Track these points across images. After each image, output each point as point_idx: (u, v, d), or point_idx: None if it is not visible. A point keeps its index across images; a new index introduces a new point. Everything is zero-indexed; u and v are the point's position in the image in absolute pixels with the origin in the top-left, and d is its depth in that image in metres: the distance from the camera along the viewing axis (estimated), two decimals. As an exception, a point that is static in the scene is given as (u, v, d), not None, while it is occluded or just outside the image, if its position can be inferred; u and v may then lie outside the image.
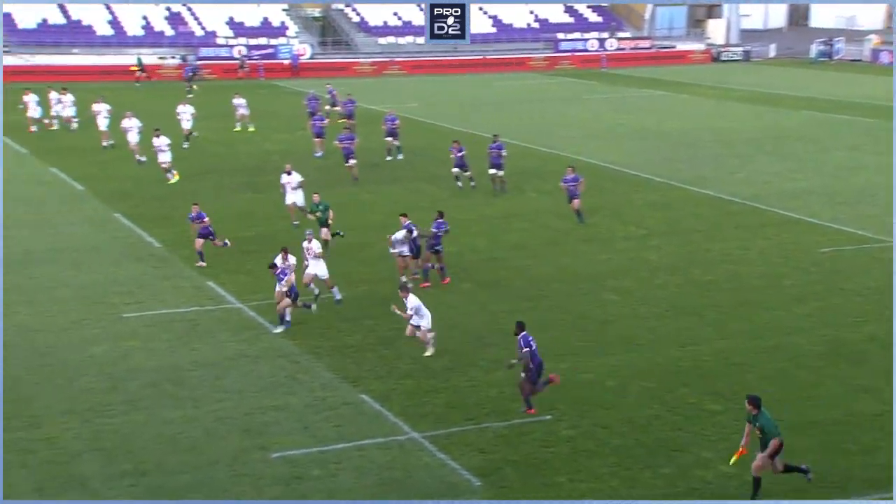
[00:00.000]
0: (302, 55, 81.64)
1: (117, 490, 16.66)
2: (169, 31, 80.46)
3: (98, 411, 19.55)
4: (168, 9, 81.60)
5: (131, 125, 43.19)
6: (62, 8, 78.72)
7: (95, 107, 47.12)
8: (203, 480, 16.94)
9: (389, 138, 44.09)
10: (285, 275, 23.98)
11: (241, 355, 22.55)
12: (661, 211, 35.81)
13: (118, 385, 20.86)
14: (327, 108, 55.98)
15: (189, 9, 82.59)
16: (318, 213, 29.93)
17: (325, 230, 29.68)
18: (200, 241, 28.53)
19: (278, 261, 24.30)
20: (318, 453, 17.96)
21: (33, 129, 50.24)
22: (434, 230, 27.43)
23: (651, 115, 58.75)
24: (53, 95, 52.51)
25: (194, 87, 65.99)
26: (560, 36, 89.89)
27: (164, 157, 38.99)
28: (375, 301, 25.96)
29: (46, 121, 51.37)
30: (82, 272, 28.05)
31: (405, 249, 26.86)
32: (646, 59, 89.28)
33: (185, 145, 46.05)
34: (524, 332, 19.35)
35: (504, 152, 37.47)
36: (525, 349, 19.23)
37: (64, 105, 51.22)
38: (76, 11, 78.89)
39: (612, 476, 17.00)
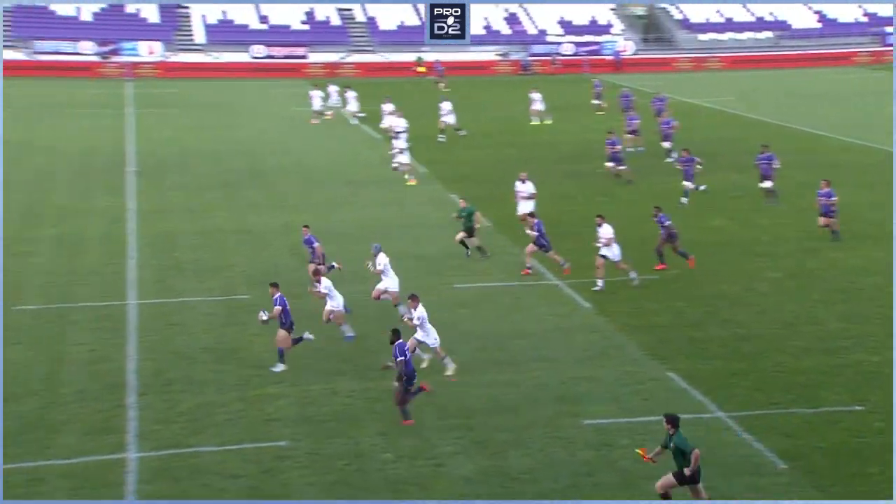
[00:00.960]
0: (624, 51, 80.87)
1: (448, 440, 17.32)
2: (506, 30, 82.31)
3: (434, 369, 20.38)
4: (506, 9, 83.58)
5: (391, 123, 43.78)
6: (416, 9, 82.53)
7: (384, 106, 47.75)
8: (521, 440, 17.27)
9: (665, 143, 41.92)
10: (276, 303, 20.21)
11: (558, 328, 22.75)
12: None
13: (451, 348, 21.57)
14: (593, 102, 55.42)
15: (524, 9, 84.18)
16: (463, 219, 27.94)
17: (462, 234, 27.77)
18: (313, 266, 24.13)
19: (321, 284, 21.63)
20: (626, 424, 17.81)
21: (314, 121, 51.77)
22: (661, 222, 26.50)
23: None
24: (332, 89, 54.46)
25: (441, 84, 64.73)
26: (888, 29, 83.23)
27: (402, 159, 38.55)
28: (684, 285, 25.36)
29: (328, 113, 52.67)
30: (422, 246, 29.30)
31: (611, 252, 25.14)
32: None
33: (442, 138, 46.15)
34: (400, 341, 18.09)
35: (775, 164, 33.89)
36: (400, 358, 17.90)
37: (348, 101, 52.84)
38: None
39: (928, 472, 15.63)
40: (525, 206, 30.38)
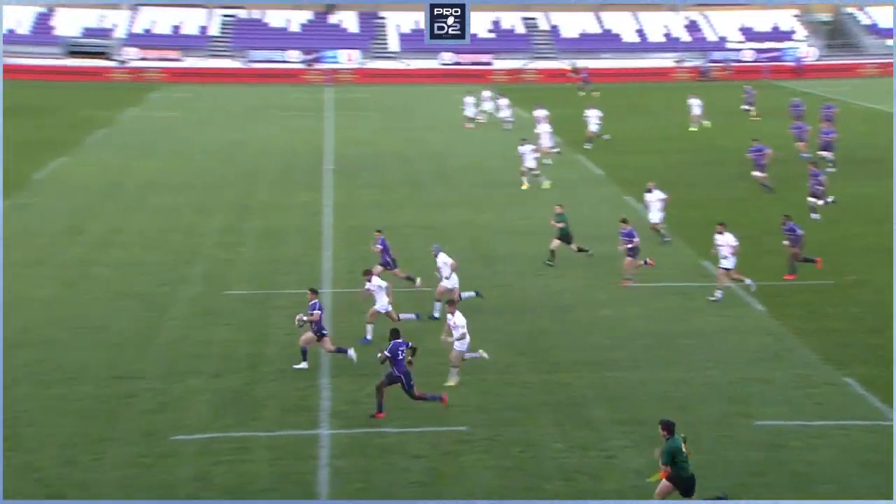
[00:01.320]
0: (806, 58, 77.36)
1: (619, 434, 17.10)
2: (685, 37, 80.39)
3: (605, 365, 20.19)
4: (686, 17, 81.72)
5: (543, 130, 42.87)
6: (598, 18, 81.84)
7: (536, 112, 46.51)
8: (690, 437, 16.79)
9: (823, 152, 39.27)
10: (315, 308, 19.64)
11: (729, 329, 22.07)
12: None
13: (622, 344, 21.37)
14: (742, 107, 52.95)
15: (705, 16, 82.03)
16: (561, 225, 26.77)
17: (556, 241, 26.75)
18: (379, 268, 23.95)
19: (372, 282, 21.32)
20: (799, 426, 17.08)
21: (469, 125, 51.33)
22: (790, 231, 25.10)
23: None
24: (485, 95, 54.04)
25: (592, 91, 63.09)
26: None
27: (528, 164, 37.32)
28: (862, 291, 24.06)
29: (480, 118, 52.31)
30: (595, 245, 28.91)
31: (728, 262, 23.72)
32: None
33: (588, 146, 44.87)
34: (398, 340, 17.39)
35: None
36: (388, 354, 17.43)
37: (499, 107, 52.21)
38: (609, 21, 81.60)
39: None
40: (655, 216, 29.42)
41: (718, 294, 23.89)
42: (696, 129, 49.72)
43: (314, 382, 19.43)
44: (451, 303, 19.81)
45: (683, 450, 13.99)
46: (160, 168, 41.06)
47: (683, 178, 38.43)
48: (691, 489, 13.99)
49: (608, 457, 16.33)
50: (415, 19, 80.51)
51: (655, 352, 20.88)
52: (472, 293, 23.24)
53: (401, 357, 17.54)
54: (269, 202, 35.48)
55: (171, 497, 15.25)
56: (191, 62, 74.72)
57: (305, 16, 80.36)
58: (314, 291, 20.13)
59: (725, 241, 23.96)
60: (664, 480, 14.08)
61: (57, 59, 73.27)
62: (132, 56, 74.69)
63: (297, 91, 67.20)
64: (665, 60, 77.19)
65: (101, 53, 74.14)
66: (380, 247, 24.41)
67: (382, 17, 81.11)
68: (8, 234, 30.04)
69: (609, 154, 44.05)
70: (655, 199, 29.59)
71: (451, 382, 18.96)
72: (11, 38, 74.66)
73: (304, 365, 19.86)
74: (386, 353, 17.62)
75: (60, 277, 26.10)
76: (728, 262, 23.91)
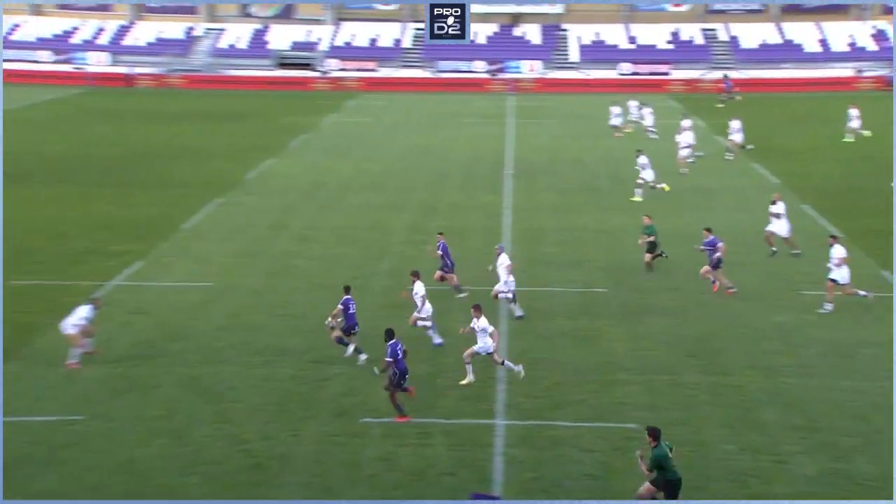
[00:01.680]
0: None
1: (792, 440, 16.36)
2: (872, 46, 75.77)
3: (777, 370, 19.37)
4: (873, 26, 77.07)
5: (682, 139, 40.80)
6: (779, 28, 78.48)
7: (683, 122, 44.23)
8: (869, 446, 15.92)
9: None
10: (343, 305, 19.82)
11: (912, 341, 20.61)
12: None
13: (795, 351, 20.44)
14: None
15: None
16: (651, 238, 25.79)
17: (648, 255, 25.74)
18: (439, 273, 23.90)
19: (415, 288, 20.64)
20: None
21: (618, 134, 49.66)
22: None
23: None
24: (632, 104, 52.17)
25: (736, 97, 59.67)
26: None
27: (645, 176, 35.43)
28: None
29: (625, 126, 50.50)
30: (775, 256, 27.66)
31: (840, 275, 21.94)
32: None
33: (729, 156, 42.53)
34: (394, 341, 17.21)
35: None
36: (389, 359, 17.09)
37: (644, 116, 50.34)
38: (790, 32, 78.10)
39: None
40: (777, 227, 27.65)
41: (828, 307, 22.60)
42: (852, 140, 46.82)
43: (492, 374, 19.56)
44: (477, 307, 19.36)
45: (670, 456, 13.75)
46: (355, 170, 42.44)
47: (860, 185, 36.28)
48: (677, 492, 13.65)
49: (779, 461, 15.65)
50: (595, 31, 79.74)
51: (831, 359, 19.83)
52: (520, 313, 22.52)
53: (400, 356, 17.37)
54: (454, 203, 35.97)
55: (358, 474, 15.74)
56: (385, 72, 76.88)
57: (491, 28, 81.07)
58: (346, 289, 20.41)
59: (836, 255, 22.73)
60: (647, 483, 13.73)
61: (268, 70, 77.14)
62: (333, 67, 77.65)
63: (481, 99, 67.89)
64: (848, 70, 73.01)
65: (306, 65, 77.53)
66: (440, 252, 24.12)
67: (564, 30, 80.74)
68: (224, 229, 31.92)
69: (787, 162, 42.16)
70: (779, 211, 27.93)
71: (465, 381, 18.81)
72: (231, 52, 79.52)
73: (350, 351, 19.89)
74: (388, 359, 17.39)
75: (267, 268, 27.43)
76: (836, 274, 22.60)
